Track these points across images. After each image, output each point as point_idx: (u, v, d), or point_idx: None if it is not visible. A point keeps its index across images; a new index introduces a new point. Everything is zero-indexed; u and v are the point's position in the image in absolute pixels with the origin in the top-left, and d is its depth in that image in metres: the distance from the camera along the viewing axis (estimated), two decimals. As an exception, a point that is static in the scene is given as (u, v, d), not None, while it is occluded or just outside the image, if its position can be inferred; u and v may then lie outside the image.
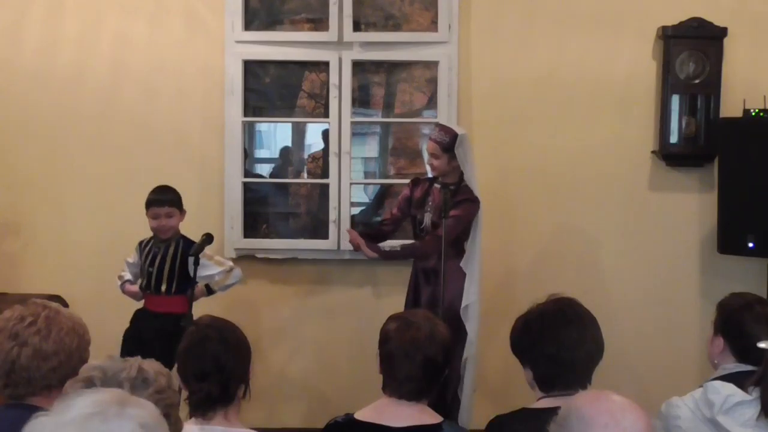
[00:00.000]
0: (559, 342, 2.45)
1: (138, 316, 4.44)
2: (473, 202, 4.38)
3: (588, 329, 2.51)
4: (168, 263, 4.34)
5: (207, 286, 4.40)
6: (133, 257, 4.51)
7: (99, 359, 1.76)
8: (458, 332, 4.30)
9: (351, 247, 4.82)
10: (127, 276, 4.52)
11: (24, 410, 2.08)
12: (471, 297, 4.39)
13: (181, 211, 4.39)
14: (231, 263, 4.46)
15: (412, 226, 4.62)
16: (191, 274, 4.16)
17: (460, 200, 4.35)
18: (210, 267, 4.34)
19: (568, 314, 2.52)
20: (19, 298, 2.48)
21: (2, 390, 2.21)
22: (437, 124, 4.56)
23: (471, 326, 4.38)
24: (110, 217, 5.15)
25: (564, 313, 2.52)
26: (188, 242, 4.34)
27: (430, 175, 4.69)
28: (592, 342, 2.50)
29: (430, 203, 4.44)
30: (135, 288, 4.48)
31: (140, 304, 4.47)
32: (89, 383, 1.67)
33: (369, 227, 5.13)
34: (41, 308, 2.29)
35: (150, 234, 4.43)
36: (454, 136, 4.35)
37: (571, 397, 1.79)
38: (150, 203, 4.35)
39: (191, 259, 4.14)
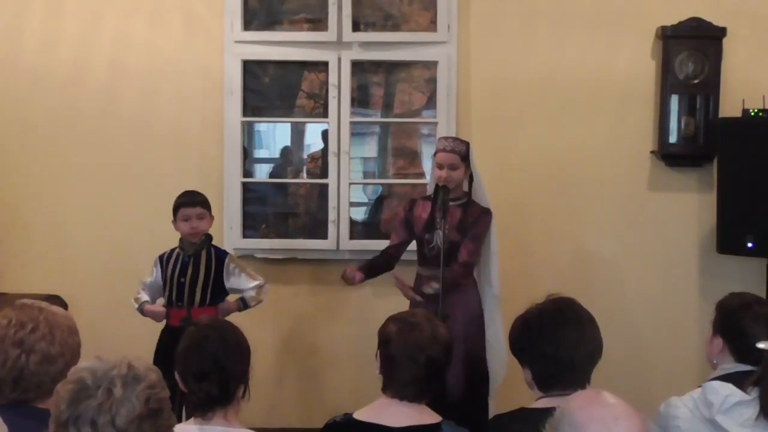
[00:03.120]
0: (558, 342, 2.45)
1: (166, 342, 3.95)
2: (488, 214, 4.25)
3: (587, 329, 2.50)
4: (202, 272, 4.15)
5: (242, 299, 4.22)
6: (152, 275, 4.23)
7: (87, 361, 1.75)
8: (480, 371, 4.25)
9: (350, 247, 4.85)
10: (144, 297, 4.20)
11: (31, 414, 2.09)
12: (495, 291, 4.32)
13: (211, 215, 4.22)
14: (262, 279, 4.28)
15: (418, 247, 4.35)
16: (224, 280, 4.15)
17: (478, 216, 4.22)
18: (243, 279, 4.21)
19: (567, 314, 2.52)
20: (19, 298, 2.47)
21: (8, 394, 2.20)
22: (444, 138, 4.38)
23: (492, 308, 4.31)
24: (110, 217, 5.16)
25: (563, 313, 2.52)
26: (219, 250, 4.25)
27: (428, 192, 4.44)
28: (591, 342, 2.50)
29: (439, 221, 4.13)
30: (158, 308, 4.17)
31: (162, 325, 4.17)
32: (80, 383, 1.68)
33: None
34: (37, 311, 2.28)
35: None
36: (467, 145, 4.26)
37: (567, 398, 1.78)
38: (180, 205, 4.15)
39: (224, 265, 4.15)
